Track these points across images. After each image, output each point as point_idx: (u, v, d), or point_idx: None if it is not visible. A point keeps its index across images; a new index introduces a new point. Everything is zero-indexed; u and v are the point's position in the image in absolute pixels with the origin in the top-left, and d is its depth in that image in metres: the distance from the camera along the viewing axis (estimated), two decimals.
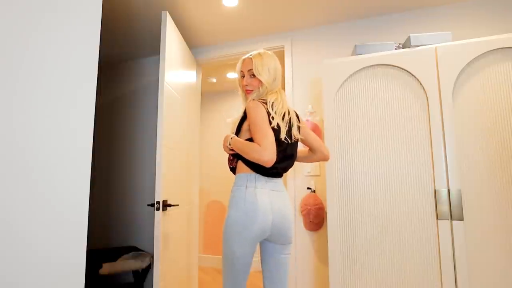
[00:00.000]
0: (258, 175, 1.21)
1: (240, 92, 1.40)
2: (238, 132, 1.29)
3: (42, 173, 0.65)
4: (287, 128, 1.24)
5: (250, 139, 1.21)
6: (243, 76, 1.34)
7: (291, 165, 1.32)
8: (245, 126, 1.26)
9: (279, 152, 1.18)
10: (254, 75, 1.29)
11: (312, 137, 1.40)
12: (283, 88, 1.54)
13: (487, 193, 1.37)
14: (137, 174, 2.58)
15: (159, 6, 1.92)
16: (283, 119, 1.24)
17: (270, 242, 1.26)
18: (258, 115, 1.18)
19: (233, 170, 1.33)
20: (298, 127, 1.33)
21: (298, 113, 1.41)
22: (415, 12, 2.01)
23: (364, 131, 1.59)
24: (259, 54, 1.31)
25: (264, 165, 1.11)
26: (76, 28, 0.76)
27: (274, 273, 1.26)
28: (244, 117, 1.27)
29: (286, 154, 1.26)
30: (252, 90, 1.31)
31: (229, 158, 1.34)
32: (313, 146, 1.39)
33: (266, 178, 1.23)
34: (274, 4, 1.95)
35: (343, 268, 1.54)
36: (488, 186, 1.37)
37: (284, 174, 1.33)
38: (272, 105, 1.24)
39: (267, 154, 1.09)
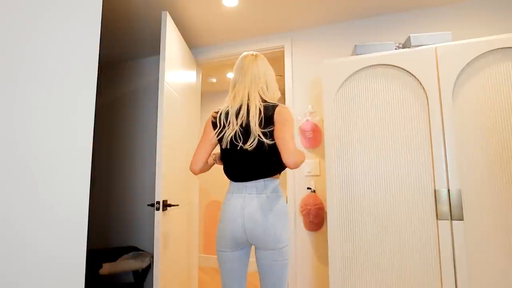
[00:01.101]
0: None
1: None
2: None
3: (42, 173, 0.65)
4: (234, 132, 1.22)
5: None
6: None
7: (251, 173, 1.21)
8: None
9: (228, 159, 1.27)
10: None
11: (278, 141, 1.17)
12: (283, 89, 1.54)
13: (487, 193, 1.37)
14: (137, 174, 2.58)
15: (159, 6, 1.92)
16: (237, 123, 1.23)
17: (257, 248, 1.23)
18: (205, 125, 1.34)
19: None
20: (265, 133, 1.19)
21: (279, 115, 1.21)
22: (415, 12, 2.01)
23: (364, 131, 1.59)
24: None
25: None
26: (76, 28, 0.76)
27: (265, 278, 1.23)
28: None
29: (236, 161, 1.23)
30: None
31: None
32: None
33: (241, 183, 1.24)
34: (274, 4, 1.95)
35: (343, 268, 1.54)
36: (488, 186, 1.37)
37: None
38: (221, 114, 1.28)
39: (190, 166, 1.31)
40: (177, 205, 1.88)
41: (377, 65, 1.60)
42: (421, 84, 1.51)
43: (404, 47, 1.67)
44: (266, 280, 1.20)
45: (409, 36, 1.59)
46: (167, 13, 1.81)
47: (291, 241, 1.38)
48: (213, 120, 1.30)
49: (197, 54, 2.53)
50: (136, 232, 2.50)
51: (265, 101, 1.25)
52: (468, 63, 1.45)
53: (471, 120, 1.43)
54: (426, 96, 1.50)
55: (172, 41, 1.88)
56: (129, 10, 1.98)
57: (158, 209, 1.63)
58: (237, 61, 1.35)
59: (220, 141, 1.29)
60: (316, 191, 2.06)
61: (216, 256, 3.49)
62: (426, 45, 1.57)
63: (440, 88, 1.47)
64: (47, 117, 0.67)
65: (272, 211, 1.18)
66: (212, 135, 1.29)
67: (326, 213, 1.95)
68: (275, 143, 1.18)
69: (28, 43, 0.64)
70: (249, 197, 1.20)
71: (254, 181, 1.21)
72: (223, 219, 1.24)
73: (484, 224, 1.36)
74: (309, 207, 2.00)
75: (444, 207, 1.41)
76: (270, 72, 1.33)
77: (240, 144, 1.21)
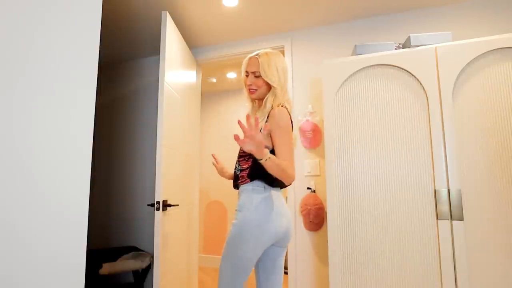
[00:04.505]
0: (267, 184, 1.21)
1: (245, 90, 1.37)
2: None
3: (42, 173, 0.65)
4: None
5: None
6: (247, 75, 1.30)
7: None
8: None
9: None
10: (258, 76, 1.25)
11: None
12: None
13: (487, 193, 1.37)
14: (137, 174, 2.58)
15: (159, 6, 1.92)
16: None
17: (273, 246, 1.22)
18: (287, 126, 1.17)
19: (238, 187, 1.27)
20: None
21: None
22: (415, 12, 2.01)
23: (364, 131, 1.59)
24: (266, 53, 1.26)
25: (290, 184, 1.16)
26: (76, 28, 0.76)
27: (274, 278, 1.23)
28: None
29: None
30: (256, 90, 1.27)
31: (240, 175, 1.25)
32: None
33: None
34: (274, 4, 1.95)
35: (343, 268, 1.54)
36: (488, 186, 1.37)
37: None
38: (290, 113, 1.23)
39: (294, 173, 1.13)
40: (177, 205, 1.88)
41: (377, 65, 1.60)
42: (421, 84, 1.51)
43: (404, 47, 1.67)
44: (279, 277, 1.25)
45: (409, 36, 1.59)
46: (167, 13, 1.81)
47: None
48: (291, 119, 1.21)
49: (197, 54, 2.53)
50: (136, 232, 2.50)
51: None
52: (468, 63, 1.45)
53: (471, 120, 1.43)
54: (426, 96, 1.50)
55: (172, 41, 1.88)
56: (129, 10, 1.98)
57: (158, 209, 1.63)
58: (274, 56, 1.26)
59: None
60: (316, 191, 2.06)
61: (215, 256, 3.49)
62: (426, 45, 1.57)
63: (440, 88, 1.47)
64: (47, 117, 0.67)
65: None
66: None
67: (326, 213, 1.94)
68: None
69: (28, 44, 0.64)
70: (281, 196, 1.25)
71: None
72: (269, 215, 1.14)
73: (484, 224, 1.36)
74: (309, 207, 2.00)
75: (444, 207, 1.41)
76: None
77: None
